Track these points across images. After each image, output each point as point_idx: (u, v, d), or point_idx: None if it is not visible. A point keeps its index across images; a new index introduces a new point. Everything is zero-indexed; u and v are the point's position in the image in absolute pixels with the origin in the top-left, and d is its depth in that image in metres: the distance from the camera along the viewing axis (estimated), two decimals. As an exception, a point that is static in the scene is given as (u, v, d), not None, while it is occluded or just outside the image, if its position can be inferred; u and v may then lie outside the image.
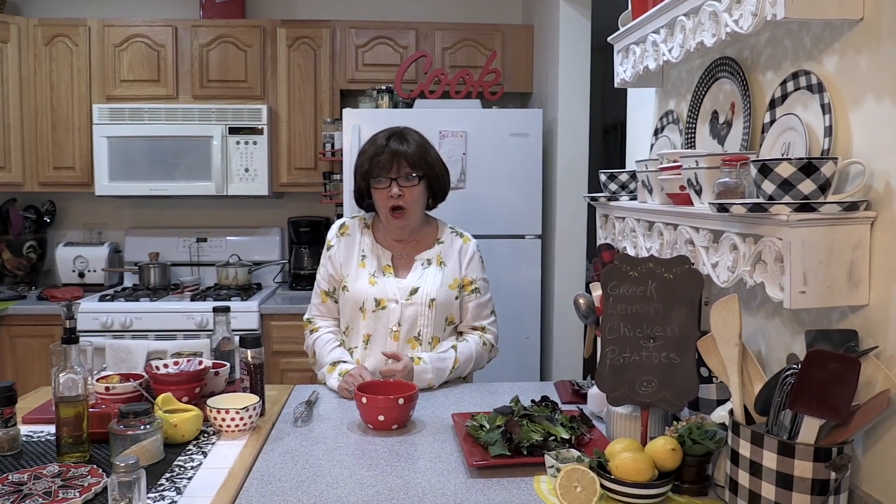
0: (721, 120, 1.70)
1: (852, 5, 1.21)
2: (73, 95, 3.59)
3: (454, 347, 2.04)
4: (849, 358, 1.10)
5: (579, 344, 3.37)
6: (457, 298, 2.08)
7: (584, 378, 2.12)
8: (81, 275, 3.74)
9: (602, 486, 1.27)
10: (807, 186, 1.17)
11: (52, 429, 1.55)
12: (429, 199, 2.10)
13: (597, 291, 1.76)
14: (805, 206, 1.16)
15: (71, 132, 3.60)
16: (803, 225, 1.16)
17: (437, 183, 2.08)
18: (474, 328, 2.12)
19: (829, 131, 1.27)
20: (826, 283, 1.18)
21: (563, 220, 3.39)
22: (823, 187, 1.18)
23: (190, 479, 1.37)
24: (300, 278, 3.80)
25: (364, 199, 2.12)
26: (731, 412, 1.27)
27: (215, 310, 1.93)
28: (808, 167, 1.17)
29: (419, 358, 1.97)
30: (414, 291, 2.02)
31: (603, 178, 2.02)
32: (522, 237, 3.35)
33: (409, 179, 1.99)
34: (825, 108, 1.28)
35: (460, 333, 2.13)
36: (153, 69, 3.61)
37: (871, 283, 1.20)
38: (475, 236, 2.21)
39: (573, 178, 3.38)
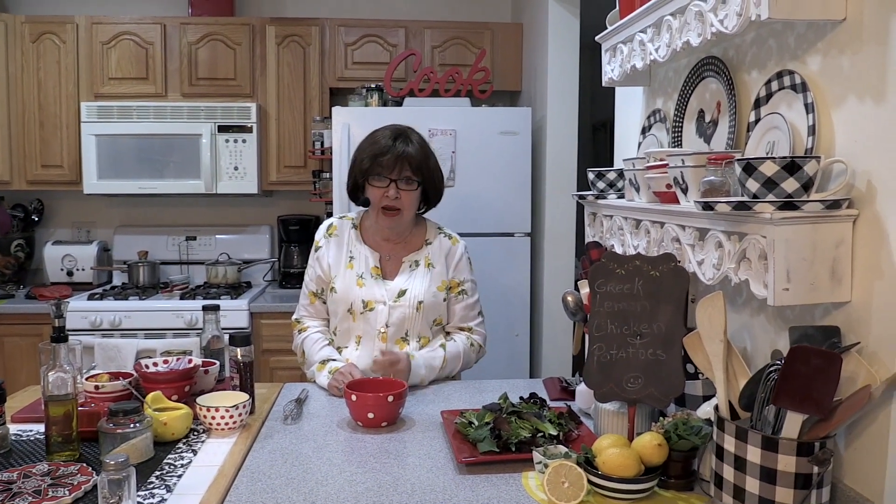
0: (707, 119, 1.72)
1: (835, 6, 1.23)
2: (60, 93, 3.57)
3: (443, 346, 2.05)
4: (830, 354, 1.12)
5: (568, 341, 3.39)
6: (444, 300, 2.08)
7: (573, 375, 2.14)
8: (70, 273, 3.72)
9: (589, 481, 1.28)
10: (790, 185, 1.19)
11: (41, 427, 1.56)
12: (420, 204, 2.11)
13: (585, 289, 1.78)
14: (788, 205, 1.18)
15: (59, 130, 3.58)
16: (787, 223, 1.18)
17: (432, 190, 2.08)
18: (461, 329, 2.13)
19: (812, 130, 1.28)
20: (809, 281, 1.20)
21: (552, 218, 3.40)
22: (806, 186, 1.20)
23: (180, 476, 1.38)
24: (290, 276, 3.80)
25: (359, 194, 2.09)
26: (717, 408, 1.28)
27: (205, 308, 1.93)
28: (792, 166, 1.18)
29: (412, 355, 1.98)
30: (402, 294, 2.03)
31: (591, 176, 2.03)
32: (511, 235, 3.36)
33: (408, 183, 1.99)
34: (809, 108, 1.30)
35: (448, 333, 2.14)
36: (141, 67, 3.60)
37: (853, 280, 1.22)
38: (464, 234, 2.21)
39: (562, 177, 3.40)
